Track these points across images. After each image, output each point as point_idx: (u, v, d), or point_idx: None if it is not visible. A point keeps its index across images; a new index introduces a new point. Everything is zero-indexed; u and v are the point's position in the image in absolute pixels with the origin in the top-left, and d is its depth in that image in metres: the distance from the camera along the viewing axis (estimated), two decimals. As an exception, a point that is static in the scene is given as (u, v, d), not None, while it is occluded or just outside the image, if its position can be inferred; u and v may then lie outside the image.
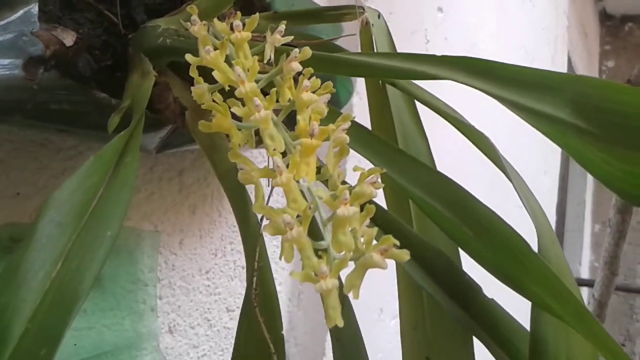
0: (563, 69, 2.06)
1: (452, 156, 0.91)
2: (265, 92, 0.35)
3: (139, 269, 0.66)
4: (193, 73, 0.36)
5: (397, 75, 0.38)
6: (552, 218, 2.16)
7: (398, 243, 0.28)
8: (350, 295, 0.28)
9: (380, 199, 0.48)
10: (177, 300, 0.72)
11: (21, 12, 0.41)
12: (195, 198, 0.73)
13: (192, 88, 0.36)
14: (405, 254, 0.28)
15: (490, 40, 1.37)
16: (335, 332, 0.40)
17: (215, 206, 0.76)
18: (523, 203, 0.34)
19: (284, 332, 0.89)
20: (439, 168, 0.46)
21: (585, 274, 2.77)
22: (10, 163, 0.53)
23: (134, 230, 0.65)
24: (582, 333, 0.31)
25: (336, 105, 0.70)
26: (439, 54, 0.98)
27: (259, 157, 0.76)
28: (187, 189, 0.72)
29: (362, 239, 0.29)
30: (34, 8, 0.41)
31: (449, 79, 0.32)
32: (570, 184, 2.67)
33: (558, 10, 1.91)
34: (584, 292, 2.01)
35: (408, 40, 1.03)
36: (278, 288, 0.87)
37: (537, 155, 1.67)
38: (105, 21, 0.48)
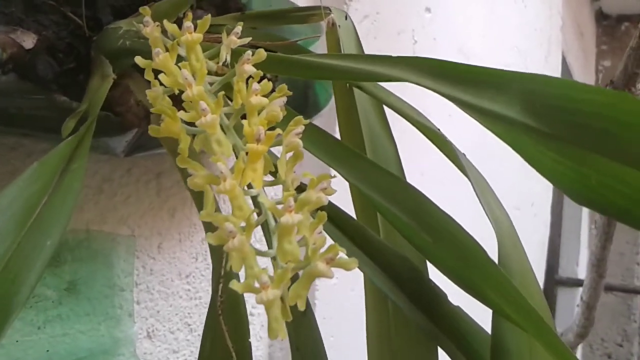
0: (557, 69, 2.05)
1: (423, 162, 0.90)
2: (230, 97, 0.34)
3: (115, 274, 0.65)
4: (148, 76, 0.35)
5: (351, 77, 0.37)
6: (546, 219, 2.15)
7: (345, 251, 0.27)
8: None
9: (351, 208, 0.48)
10: (155, 305, 0.71)
11: (-21, 14, 0.40)
12: (174, 201, 0.72)
13: (147, 91, 0.35)
14: (353, 262, 0.27)
15: (481, 40, 1.36)
16: (295, 341, 0.39)
17: (195, 210, 0.75)
18: (483, 207, 0.34)
19: (266, 336, 0.88)
20: (408, 172, 0.45)
21: (582, 275, 2.76)
22: (-21, 167, 0.52)
23: (109, 234, 0.65)
24: (539, 341, 0.30)
25: (316, 107, 0.69)
26: (427, 54, 0.97)
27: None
28: (166, 192, 0.71)
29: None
30: (-7, 11, 0.41)
31: (404, 80, 0.31)
32: (567, 184, 2.66)
33: (552, 10, 1.90)
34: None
35: (395, 41, 1.02)
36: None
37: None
38: (71, 23, 0.48)
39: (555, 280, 2.77)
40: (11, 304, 0.27)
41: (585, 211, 2.85)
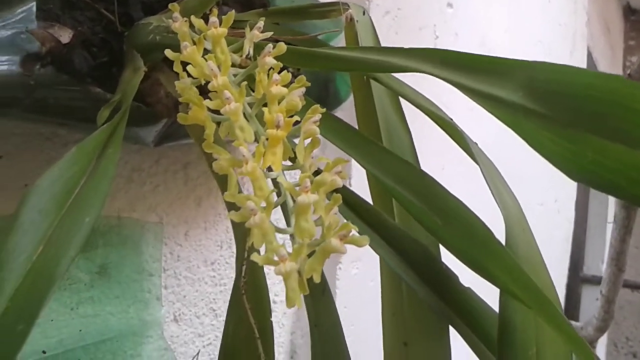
0: (583, 64, 2.03)
1: (444, 157, 0.92)
2: (252, 88, 0.36)
3: (144, 259, 0.68)
4: (177, 68, 0.38)
5: (366, 68, 0.39)
6: (570, 215, 2.14)
7: (357, 229, 0.29)
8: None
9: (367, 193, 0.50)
10: (182, 290, 0.74)
11: (20, 10, 0.43)
12: (200, 191, 0.75)
13: (175, 82, 0.37)
14: (364, 239, 0.29)
15: (504, 35, 1.37)
16: (314, 318, 0.41)
17: (220, 199, 0.78)
18: (492, 193, 0.35)
19: (288, 323, 0.90)
20: (423, 162, 0.47)
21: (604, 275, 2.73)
22: (18, 155, 0.55)
23: (139, 221, 0.68)
24: (543, 318, 0.32)
25: (337, 100, 0.72)
26: (448, 49, 0.98)
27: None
28: (193, 181, 0.74)
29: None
30: (33, 7, 0.44)
31: (414, 70, 0.33)
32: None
33: (577, 5, 1.89)
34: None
35: (416, 37, 1.03)
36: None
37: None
38: (104, 19, 0.50)
39: (579, 278, 2.75)
40: (53, 274, 0.29)
41: (611, 208, 2.82)
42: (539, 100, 0.27)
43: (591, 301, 2.77)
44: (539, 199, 1.71)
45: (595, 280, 2.80)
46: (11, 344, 0.27)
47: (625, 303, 3.01)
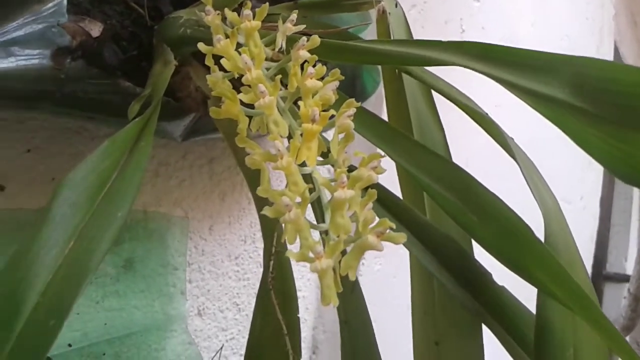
0: (609, 58, 2.00)
1: (473, 146, 0.90)
2: (284, 83, 0.36)
3: (169, 254, 0.68)
4: (209, 61, 0.37)
5: (400, 61, 0.38)
6: (595, 212, 2.11)
7: (394, 226, 0.28)
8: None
9: (397, 189, 0.49)
10: (206, 284, 0.74)
11: (51, 4, 0.43)
12: (225, 186, 0.75)
13: (207, 76, 0.37)
14: (401, 237, 0.28)
15: (530, 29, 1.35)
16: (344, 315, 0.41)
17: (245, 194, 0.78)
18: (531, 189, 0.34)
19: (310, 318, 0.90)
20: (456, 157, 0.46)
21: (630, 270, 2.69)
22: (46, 149, 0.55)
23: (165, 215, 0.68)
24: (585, 319, 0.31)
25: (363, 94, 0.71)
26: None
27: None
28: (218, 176, 0.74)
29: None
30: (64, 1, 0.43)
31: (453, 64, 0.32)
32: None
33: (604, -1, 1.86)
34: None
35: (442, 30, 1.02)
36: (308, 276, 0.89)
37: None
38: (133, 13, 0.50)
39: (602, 276, 2.71)
40: (86, 268, 0.29)
41: (636, 205, 2.78)
42: (587, 98, 0.26)
43: (614, 299, 2.73)
44: (564, 195, 1.68)
45: (619, 278, 2.76)
46: (43, 339, 0.27)
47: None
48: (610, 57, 2.02)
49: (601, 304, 2.81)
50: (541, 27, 1.42)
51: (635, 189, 2.71)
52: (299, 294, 0.86)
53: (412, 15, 0.94)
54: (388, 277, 0.97)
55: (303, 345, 0.91)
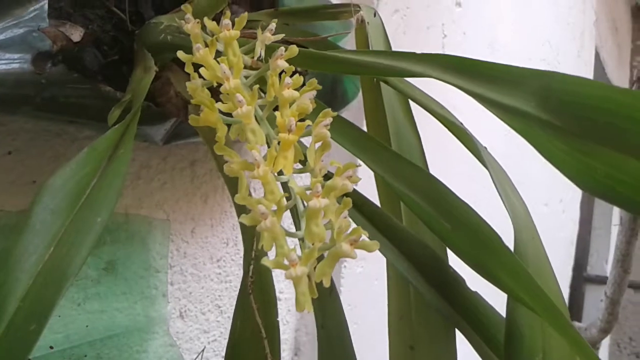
0: (590, 64, 2.03)
1: (447, 154, 0.91)
2: (263, 90, 0.37)
3: (150, 256, 0.69)
4: (188, 69, 0.38)
5: (377, 72, 0.39)
6: (575, 215, 2.14)
7: (367, 234, 0.29)
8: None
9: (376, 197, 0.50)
10: (188, 286, 0.74)
11: (32, 9, 0.43)
12: (207, 188, 0.75)
13: (186, 83, 0.37)
14: (374, 245, 0.29)
15: (512, 35, 1.36)
16: (321, 319, 0.42)
17: (227, 196, 0.78)
18: (501, 198, 0.35)
19: (292, 320, 0.90)
20: (432, 165, 0.47)
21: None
22: (26, 152, 0.56)
23: (146, 218, 0.68)
24: (551, 324, 0.32)
25: (344, 100, 0.72)
26: (456, 49, 0.98)
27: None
28: (199, 179, 0.74)
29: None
30: (45, 5, 0.44)
31: (427, 76, 0.33)
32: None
33: (585, 5, 1.88)
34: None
35: (424, 36, 1.03)
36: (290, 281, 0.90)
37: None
38: (115, 17, 0.51)
39: (583, 278, 2.75)
40: (65, 274, 0.30)
41: (616, 209, 2.81)
42: (552, 111, 0.27)
43: (595, 301, 2.77)
44: (544, 199, 1.71)
45: (599, 280, 2.80)
46: (23, 343, 0.28)
47: (628, 303, 3.01)
48: (591, 61, 2.05)
49: (582, 305, 2.85)
50: (523, 33, 1.44)
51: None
52: (281, 296, 0.87)
53: (395, 20, 0.95)
54: (370, 280, 0.98)
55: (285, 347, 0.92)
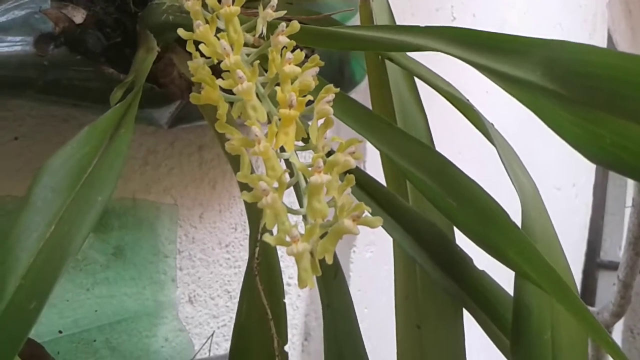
0: (602, 47, 2.00)
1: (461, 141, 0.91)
2: (265, 69, 0.36)
3: (159, 241, 0.69)
4: (190, 48, 0.38)
5: (380, 47, 0.38)
6: (588, 200, 2.11)
7: (370, 210, 0.28)
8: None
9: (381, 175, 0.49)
10: (197, 271, 0.74)
11: (34, -11, 0.43)
12: (215, 173, 0.75)
13: (188, 62, 0.37)
14: (377, 220, 0.29)
15: (522, 17, 1.35)
16: (327, 299, 0.41)
17: (235, 182, 0.78)
18: (509, 175, 0.35)
19: (302, 305, 0.90)
20: (438, 145, 0.46)
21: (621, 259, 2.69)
22: (33, 137, 0.56)
23: (154, 203, 0.68)
24: (559, 300, 0.32)
25: (352, 82, 0.71)
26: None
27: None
28: (207, 164, 0.74)
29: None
30: (47, -14, 0.43)
31: (430, 49, 0.33)
32: (612, 166, 2.60)
33: (598, -14, 1.86)
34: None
35: (433, 18, 1.02)
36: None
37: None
38: (117, -1, 0.50)
39: (596, 263, 2.72)
40: (66, 252, 0.29)
41: (630, 193, 2.78)
42: (557, 80, 0.26)
43: (608, 287, 2.74)
44: (556, 183, 1.69)
45: (613, 266, 2.77)
46: (24, 321, 0.28)
47: (642, 289, 2.98)
48: (603, 44, 2.02)
49: (595, 291, 2.83)
50: (533, 15, 1.42)
51: (629, 177, 2.70)
52: (290, 281, 0.87)
53: (403, 2, 0.94)
54: (379, 265, 0.98)
55: (295, 331, 0.92)
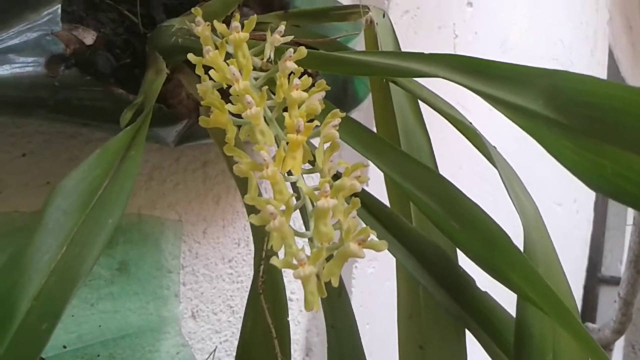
0: (604, 63, 2.01)
1: (461, 158, 0.91)
2: (273, 91, 0.37)
3: (163, 256, 0.69)
4: (199, 71, 0.38)
5: (386, 73, 0.39)
6: (589, 215, 2.12)
7: (375, 234, 0.29)
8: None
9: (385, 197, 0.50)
10: (200, 287, 0.75)
11: (46, 13, 0.44)
12: (219, 189, 0.76)
13: (197, 85, 0.38)
14: (382, 244, 0.29)
15: (524, 34, 1.36)
16: (331, 320, 0.42)
17: (238, 197, 0.78)
18: (511, 198, 0.35)
19: (303, 321, 0.91)
20: (441, 166, 0.47)
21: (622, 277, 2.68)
22: (41, 154, 0.56)
23: (159, 219, 0.68)
24: (559, 323, 0.32)
25: (355, 101, 0.72)
26: (467, 49, 0.98)
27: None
28: (211, 180, 0.75)
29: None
30: (58, 9, 0.44)
31: (435, 76, 0.33)
32: (613, 181, 2.61)
33: (599, 3, 1.87)
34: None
35: (435, 36, 1.03)
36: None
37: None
38: (127, 21, 0.51)
39: (597, 279, 2.72)
40: (77, 273, 0.30)
41: (631, 210, 2.79)
42: (559, 110, 0.27)
43: (609, 302, 2.74)
44: (558, 199, 1.70)
45: (613, 282, 2.76)
46: (35, 342, 0.28)
47: (644, 305, 2.97)
48: (604, 61, 2.03)
49: (596, 306, 2.83)
50: (535, 32, 1.43)
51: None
52: (292, 297, 0.88)
53: (405, 21, 0.95)
54: (381, 281, 0.98)
55: (297, 347, 0.92)
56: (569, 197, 1.80)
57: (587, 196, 2.06)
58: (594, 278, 2.66)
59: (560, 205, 1.70)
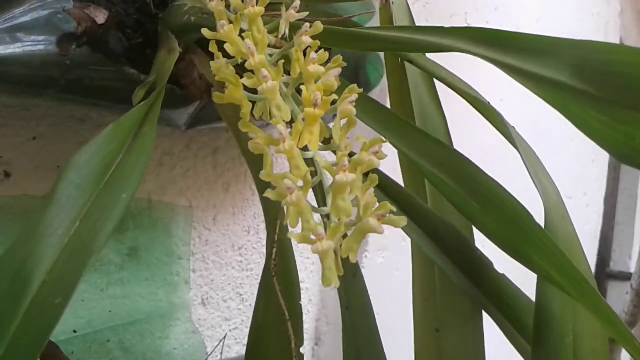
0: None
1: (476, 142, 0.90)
2: (287, 70, 0.36)
3: (173, 243, 0.69)
4: (212, 48, 0.38)
5: (402, 48, 0.38)
6: (599, 209, 2.10)
7: (395, 209, 0.28)
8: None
9: (400, 177, 0.49)
10: (210, 274, 0.74)
11: (57, -10, 0.43)
12: (229, 176, 0.75)
13: (211, 62, 0.37)
14: (402, 220, 0.29)
15: (535, 25, 1.34)
16: (346, 300, 0.41)
17: (249, 185, 0.78)
18: (532, 177, 0.35)
19: (313, 310, 0.90)
20: (457, 146, 0.46)
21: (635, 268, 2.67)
22: (51, 137, 0.56)
23: (169, 205, 0.68)
24: (583, 304, 0.32)
25: (367, 87, 0.71)
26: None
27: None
28: (222, 167, 0.74)
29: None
30: (70, -14, 0.44)
31: (456, 50, 0.33)
32: (622, 175, 2.59)
33: (610, -5, 1.85)
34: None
35: (446, 24, 1.02)
36: (312, 268, 0.89)
37: (584, 142, 1.62)
38: (138, 1, 0.51)
39: (606, 274, 2.70)
40: (90, 248, 0.29)
41: (641, 204, 2.76)
42: (587, 80, 0.26)
43: (618, 297, 2.72)
44: (568, 191, 1.68)
45: (623, 277, 2.74)
46: (49, 316, 0.28)
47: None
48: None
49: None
50: (546, 23, 1.42)
51: (640, 187, 2.69)
52: (302, 285, 0.87)
53: (417, 9, 0.94)
54: (391, 270, 0.97)
55: (306, 336, 0.92)
56: (579, 190, 1.79)
57: (597, 190, 2.04)
58: (603, 273, 2.64)
59: (570, 199, 1.69)
